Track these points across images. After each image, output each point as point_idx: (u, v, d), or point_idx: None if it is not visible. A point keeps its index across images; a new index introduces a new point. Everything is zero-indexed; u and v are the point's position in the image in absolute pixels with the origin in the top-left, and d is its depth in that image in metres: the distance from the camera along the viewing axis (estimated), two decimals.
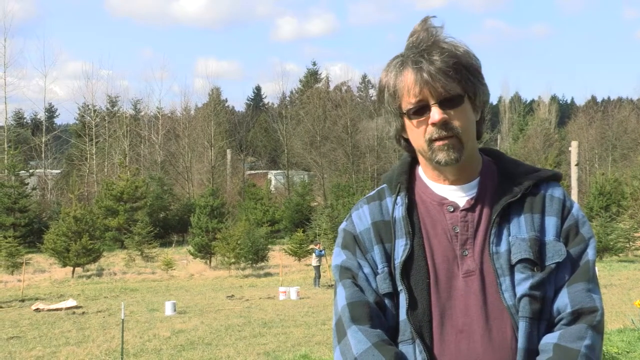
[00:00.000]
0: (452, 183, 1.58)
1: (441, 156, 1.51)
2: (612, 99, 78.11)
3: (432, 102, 1.49)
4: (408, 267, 1.54)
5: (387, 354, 1.48)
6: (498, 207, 1.54)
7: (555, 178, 1.61)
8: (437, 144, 1.51)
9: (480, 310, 1.49)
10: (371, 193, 1.70)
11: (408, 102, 1.52)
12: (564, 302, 1.48)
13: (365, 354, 1.49)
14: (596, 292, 1.51)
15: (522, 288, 1.48)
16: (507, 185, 1.57)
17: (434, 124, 1.49)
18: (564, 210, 1.56)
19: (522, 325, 1.47)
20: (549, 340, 1.46)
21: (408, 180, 1.63)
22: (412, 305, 1.52)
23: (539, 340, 1.48)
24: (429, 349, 1.50)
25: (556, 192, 1.58)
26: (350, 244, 1.63)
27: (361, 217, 1.64)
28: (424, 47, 1.49)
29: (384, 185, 1.68)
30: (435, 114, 1.48)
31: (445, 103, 1.49)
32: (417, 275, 1.53)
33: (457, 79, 1.48)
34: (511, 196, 1.54)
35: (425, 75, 1.47)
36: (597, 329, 1.47)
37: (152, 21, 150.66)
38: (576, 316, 1.47)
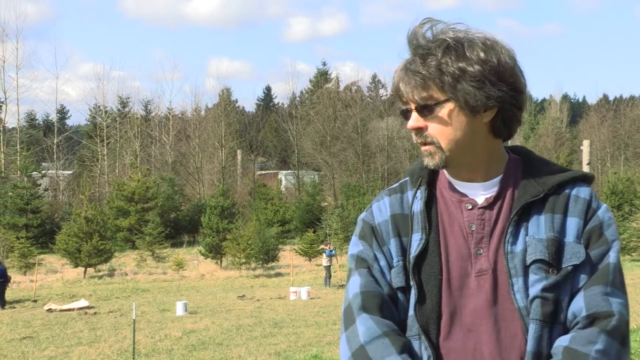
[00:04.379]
0: (470, 180, 1.56)
1: (426, 161, 1.53)
2: (624, 98, 77.52)
3: (412, 107, 1.51)
4: (421, 262, 1.53)
5: (397, 343, 1.47)
6: (517, 205, 1.50)
7: (585, 179, 1.55)
8: (421, 148, 1.54)
9: (490, 310, 1.47)
10: (394, 185, 1.69)
11: (400, 104, 1.56)
12: (579, 305, 1.43)
13: (375, 342, 1.48)
14: (616, 296, 1.44)
15: (534, 290, 1.44)
16: (530, 185, 1.52)
17: (411, 130, 1.53)
18: (589, 212, 1.49)
19: (532, 328, 1.43)
20: (560, 343, 1.42)
21: (430, 174, 1.61)
22: (420, 300, 1.51)
23: (550, 344, 1.44)
24: (434, 346, 1.49)
25: (582, 192, 1.52)
26: (367, 235, 1.62)
27: (381, 209, 1.63)
28: (411, 53, 1.50)
29: (407, 178, 1.68)
30: (411, 120, 1.51)
31: (422, 110, 1.49)
32: (429, 271, 1.52)
33: (439, 85, 1.45)
34: (532, 195, 1.50)
35: (402, 84, 1.49)
36: (613, 334, 1.40)
37: (164, 22, 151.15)
38: (591, 320, 1.41)
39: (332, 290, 23.70)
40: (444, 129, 1.48)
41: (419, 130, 1.50)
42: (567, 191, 1.51)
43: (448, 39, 1.46)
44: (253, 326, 14.78)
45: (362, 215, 1.67)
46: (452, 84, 1.44)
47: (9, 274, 23.65)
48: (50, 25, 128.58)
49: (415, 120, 1.50)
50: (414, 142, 1.54)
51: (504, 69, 1.46)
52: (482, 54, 1.45)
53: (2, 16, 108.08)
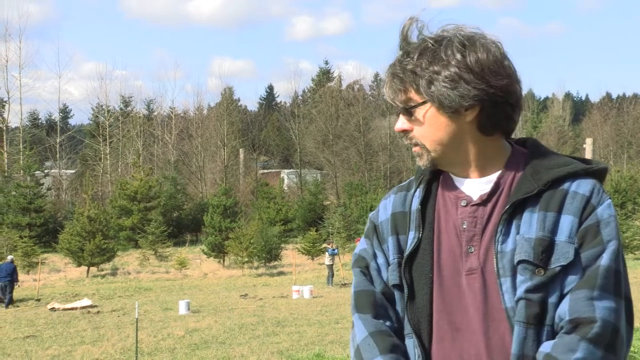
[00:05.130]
0: (467, 177, 1.53)
1: (417, 162, 1.54)
2: (627, 96, 77.34)
3: (399, 110, 1.53)
4: (412, 261, 1.53)
5: (382, 344, 1.49)
6: (508, 203, 1.45)
7: (589, 173, 1.46)
8: (412, 149, 1.55)
9: (479, 310, 1.44)
10: (404, 182, 1.70)
11: None
12: (563, 309, 1.38)
13: (362, 343, 1.51)
14: (604, 300, 1.36)
15: (519, 291, 1.40)
16: (526, 180, 1.46)
17: (398, 132, 1.55)
18: (586, 209, 1.41)
19: (516, 330, 1.39)
20: (543, 349, 1.38)
21: (433, 172, 1.59)
22: (411, 299, 1.52)
23: (537, 347, 1.40)
24: (423, 345, 1.49)
25: (582, 188, 1.43)
26: (370, 233, 1.65)
27: (386, 207, 1.65)
28: (394, 58, 1.52)
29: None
30: (397, 123, 1.54)
31: (404, 113, 1.51)
32: (420, 270, 1.51)
33: (415, 88, 1.46)
34: (524, 192, 1.44)
35: (386, 87, 1.52)
36: (595, 341, 1.33)
37: (166, 22, 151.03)
38: (574, 326, 1.36)
39: (335, 289, 23.70)
40: (425, 130, 1.49)
41: (405, 133, 1.52)
42: (565, 186, 1.44)
43: (428, 40, 1.46)
44: (256, 325, 14.78)
45: (371, 213, 1.71)
46: (426, 86, 1.44)
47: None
48: (53, 24, 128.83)
49: (400, 122, 1.52)
50: (405, 143, 1.56)
51: (482, 67, 1.42)
52: (457, 55, 1.43)
53: (5, 16, 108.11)
